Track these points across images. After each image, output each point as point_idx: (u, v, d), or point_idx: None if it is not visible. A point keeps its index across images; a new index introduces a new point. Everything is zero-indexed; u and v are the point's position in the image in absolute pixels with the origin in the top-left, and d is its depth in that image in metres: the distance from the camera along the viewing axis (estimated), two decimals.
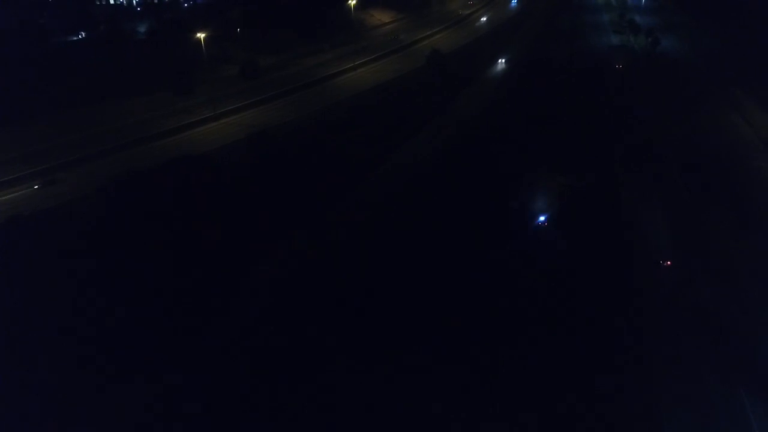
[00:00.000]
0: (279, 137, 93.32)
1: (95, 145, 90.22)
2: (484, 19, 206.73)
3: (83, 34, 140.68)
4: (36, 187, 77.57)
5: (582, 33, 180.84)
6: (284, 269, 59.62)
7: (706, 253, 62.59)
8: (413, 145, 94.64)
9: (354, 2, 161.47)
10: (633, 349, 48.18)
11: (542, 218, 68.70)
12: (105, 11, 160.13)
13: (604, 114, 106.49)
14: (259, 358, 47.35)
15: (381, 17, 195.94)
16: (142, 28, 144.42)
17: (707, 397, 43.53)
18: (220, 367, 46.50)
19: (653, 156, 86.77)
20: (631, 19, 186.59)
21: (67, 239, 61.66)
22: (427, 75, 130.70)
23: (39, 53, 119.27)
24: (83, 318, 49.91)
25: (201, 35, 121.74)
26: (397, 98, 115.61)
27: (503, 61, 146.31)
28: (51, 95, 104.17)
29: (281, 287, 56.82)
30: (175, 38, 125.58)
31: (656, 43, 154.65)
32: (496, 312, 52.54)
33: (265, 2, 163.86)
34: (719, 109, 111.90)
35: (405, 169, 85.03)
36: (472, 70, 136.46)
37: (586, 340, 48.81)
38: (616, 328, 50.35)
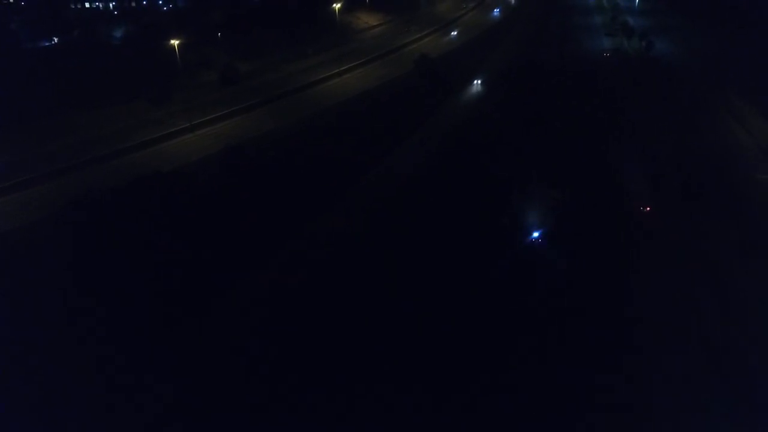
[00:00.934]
0: (257, 151, 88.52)
1: (50, 163, 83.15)
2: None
3: (56, 39, 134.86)
4: None
5: (574, 36, 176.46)
6: (252, 309, 54.59)
7: (711, 288, 57.87)
8: (398, 157, 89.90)
9: (338, 6, 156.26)
10: None
11: (535, 234, 65.08)
12: (80, 15, 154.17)
13: (598, 122, 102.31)
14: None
15: (368, 20, 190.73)
16: (118, 33, 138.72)
17: None
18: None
19: (648, 167, 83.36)
20: (624, 22, 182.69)
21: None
22: (416, 81, 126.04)
23: (6, 60, 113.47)
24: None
25: (180, 40, 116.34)
26: (382, 107, 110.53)
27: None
28: (10, 106, 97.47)
29: (250, 330, 51.77)
30: (152, 43, 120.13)
31: (650, 47, 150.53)
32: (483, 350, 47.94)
33: (247, 5, 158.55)
34: (717, 116, 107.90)
35: (389, 184, 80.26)
36: (462, 75, 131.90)
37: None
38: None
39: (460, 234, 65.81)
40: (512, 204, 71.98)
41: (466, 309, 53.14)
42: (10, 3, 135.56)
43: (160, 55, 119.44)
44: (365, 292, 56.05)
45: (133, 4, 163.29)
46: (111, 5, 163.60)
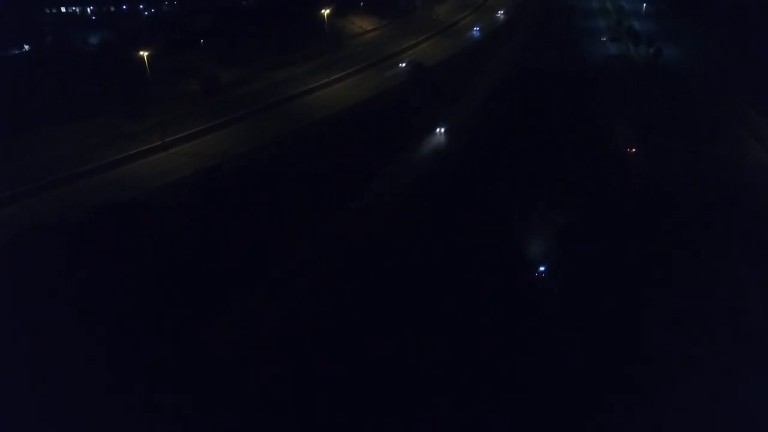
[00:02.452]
0: (232, 175, 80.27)
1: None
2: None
3: (27, 47, 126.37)
4: None
5: (577, 41, 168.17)
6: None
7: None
8: (391, 178, 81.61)
9: (328, 11, 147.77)
10: None
11: (541, 269, 58.13)
12: (54, 20, 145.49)
13: (605, 137, 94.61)
14: None
15: (362, 24, 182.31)
16: (94, 40, 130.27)
17: None
18: None
19: (660, 190, 76.68)
20: (630, 26, 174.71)
21: None
22: (411, 92, 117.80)
23: None
24: None
25: (160, 47, 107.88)
26: (374, 120, 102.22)
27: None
28: None
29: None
30: (130, 50, 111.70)
31: (659, 54, 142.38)
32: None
33: (232, 10, 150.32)
34: (732, 132, 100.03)
35: (380, 210, 72.22)
36: (459, 85, 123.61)
37: None
38: None
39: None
40: (516, 230, 65.88)
41: None
42: None
43: (137, 64, 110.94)
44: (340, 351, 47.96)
45: (112, 8, 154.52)
46: (88, 10, 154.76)
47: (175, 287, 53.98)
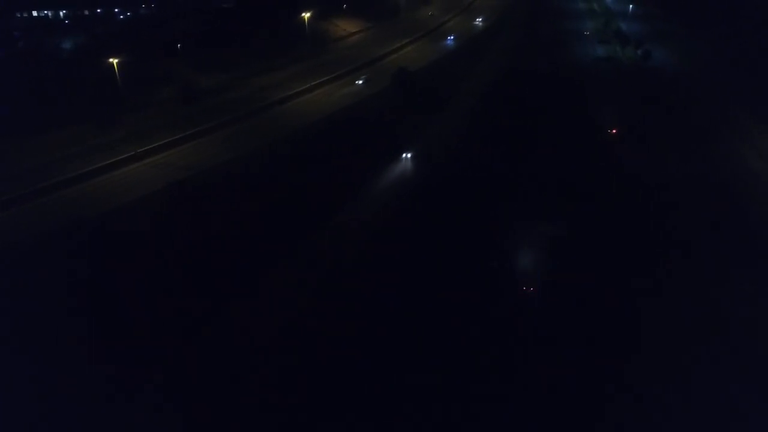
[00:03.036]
0: (206, 188, 76.75)
1: None
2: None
3: None
4: None
5: (564, 43, 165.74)
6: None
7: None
8: (372, 190, 78.27)
9: (308, 15, 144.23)
10: None
11: (530, 284, 55.12)
12: (25, 25, 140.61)
13: (594, 145, 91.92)
14: None
15: (347, 27, 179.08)
16: (68, 45, 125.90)
17: None
18: None
19: (653, 202, 73.42)
20: (618, 28, 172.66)
21: None
22: (394, 98, 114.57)
23: None
24: None
25: (138, 52, 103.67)
26: (356, 129, 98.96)
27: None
28: None
29: None
30: (106, 56, 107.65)
31: (647, 56, 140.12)
32: None
33: (212, 13, 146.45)
34: (726, 139, 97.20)
35: (361, 226, 68.71)
36: (445, 90, 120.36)
37: None
38: None
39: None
40: (504, 242, 62.66)
41: None
42: None
43: (113, 70, 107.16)
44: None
45: (86, 12, 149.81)
46: (61, 14, 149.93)
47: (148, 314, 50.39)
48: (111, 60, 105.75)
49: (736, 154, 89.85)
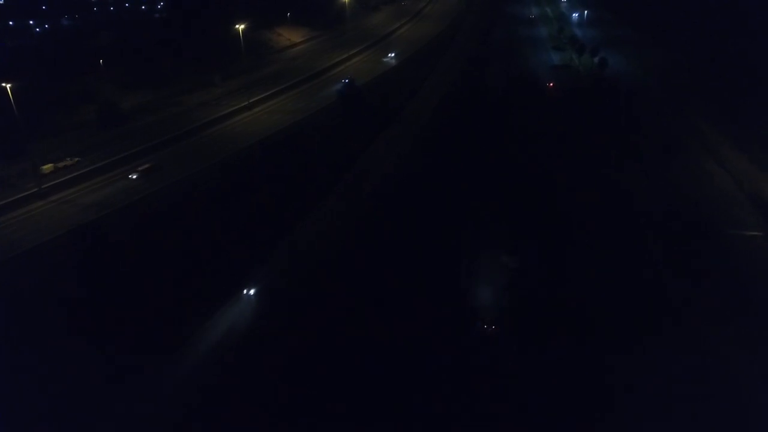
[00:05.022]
0: (117, 230, 66.29)
1: None
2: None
3: None
4: None
5: (519, 51, 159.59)
6: None
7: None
8: (312, 224, 69.21)
9: (250, 25, 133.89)
10: None
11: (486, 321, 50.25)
12: None
13: (551, 160, 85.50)
14: None
15: (291, 36, 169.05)
16: None
17: None
18: None
19: (612, 223, 68.32)
20: (573, 35, 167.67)
21: None
22: (339, 116, 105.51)
23: None
24: None
25: (56, 68, 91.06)
26: (296, 151, 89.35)
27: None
28: None
29: None
30: (19, 74, 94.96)
31: (604, 65, 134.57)
32: None
33: (141, 24, 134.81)
34: (687, 150, 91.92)
35: (297, 267, 59.90)
36: (394, 105, 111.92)
37: None
38: None
39: None
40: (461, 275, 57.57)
41: None
42: None
43: (27, 89, 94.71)
44: None
45: None
46: None
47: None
48: (32, 74, 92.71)
49: (695, 169, 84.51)
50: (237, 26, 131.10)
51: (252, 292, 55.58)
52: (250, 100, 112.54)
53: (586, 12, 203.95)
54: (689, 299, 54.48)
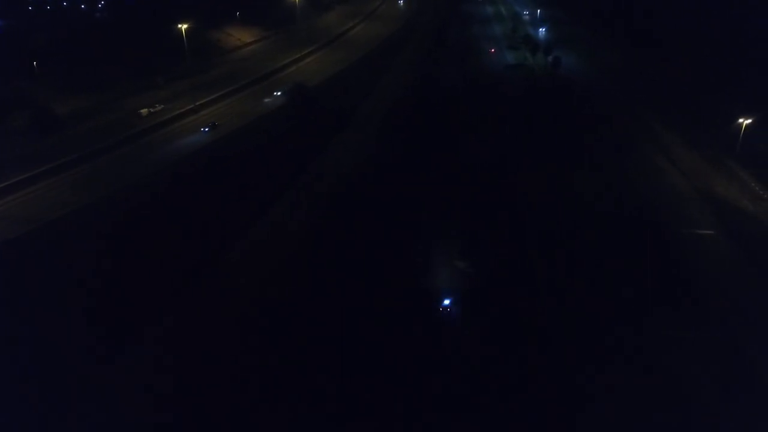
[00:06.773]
0: (37, 253, 61.40)
1: None
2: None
3: None
4: None
5: (473, 50, 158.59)
6: None
7: None
8: (260, 232, 66.09)
9: (196, 24, 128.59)
10: None
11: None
12: None
13: (504, 159, 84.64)
14: None
15: (241, 36, 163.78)
16: None
17: None
18: None
19: (564, 221, 67.99)
20: (527, 33, 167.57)
21: None
22: (291, 118, 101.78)
23: None
24: None
25: None
26: (243, 157, 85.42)
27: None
28: None
29: None
30: None
31: (557, 63, 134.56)
32: None
33: (78, 26, 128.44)
34: (639, 146, 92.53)
35: (243, 277, 56.65)
36: (346, 107, 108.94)
37: None
38: None
39: None
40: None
41: None
42: None
43: None
44: None
45: None
46: None
47: None
48: None
49: (647, 165, 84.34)
50: (187, 25, 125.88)
51: None
52: (197, 103, 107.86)
53: (539, 11, 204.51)
54: (641, 298, 54.36)
